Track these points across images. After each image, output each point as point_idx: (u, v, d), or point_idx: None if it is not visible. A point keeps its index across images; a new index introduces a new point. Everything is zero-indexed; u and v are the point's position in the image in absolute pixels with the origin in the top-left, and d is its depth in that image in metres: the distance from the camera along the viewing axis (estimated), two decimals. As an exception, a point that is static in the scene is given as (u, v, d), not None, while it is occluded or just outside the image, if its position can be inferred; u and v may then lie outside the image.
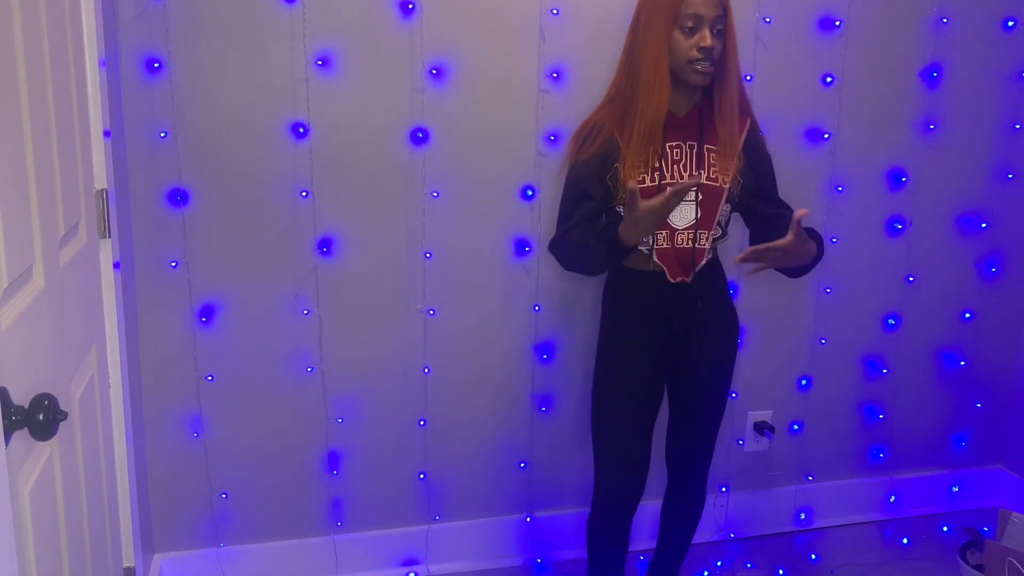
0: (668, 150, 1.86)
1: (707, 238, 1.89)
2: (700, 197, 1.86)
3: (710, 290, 1.95)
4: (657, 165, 1.85)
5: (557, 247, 1.93)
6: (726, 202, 1.89)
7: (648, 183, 1.85)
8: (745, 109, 1.92)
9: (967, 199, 2.60)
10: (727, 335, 2.02)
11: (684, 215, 1.87)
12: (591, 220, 1.88)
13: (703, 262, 1.90)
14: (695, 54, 1.78)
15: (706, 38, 1.76)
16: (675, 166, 1.86)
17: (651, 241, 1.88)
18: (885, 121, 2.47)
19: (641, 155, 1.84)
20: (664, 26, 1.78)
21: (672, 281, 1.90)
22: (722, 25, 1.79)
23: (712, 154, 1.87)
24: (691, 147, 1.87)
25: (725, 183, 1.87)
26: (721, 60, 1.82)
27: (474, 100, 2.17)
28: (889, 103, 2.46)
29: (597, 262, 1.88)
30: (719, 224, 1.90)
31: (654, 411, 2.01)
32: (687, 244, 1.88)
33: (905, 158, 2.51)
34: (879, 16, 2.38)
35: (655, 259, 1.89)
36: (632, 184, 1.70)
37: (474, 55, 2.15)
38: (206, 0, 1.98)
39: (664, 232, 1.88)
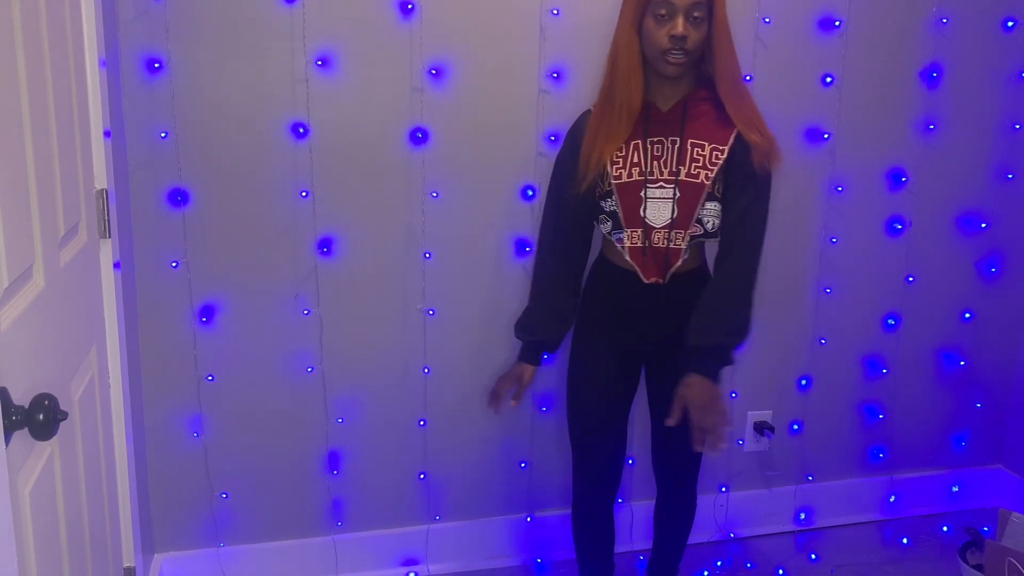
0: (650, 145, 1.83)
1: (683, 238, 1.83)
2: (678, 194, 1.81)
3: (689, 296, 1.86)
4: (637, 160, 1.83)
5: (537, 257, 2.07)
6: (711, 200, 1.81)
7: (626, 178, 1.83)
8: (755, 125, 1.81)
9: (967, 199, 2.59)
10: None
11: (661, 213, 1.82)
12: (569, 242, 1.99)
13: (679, 263, 1.85)
14: (666, 43, 1.72)
15: (678, 26, 1.70)
16: (655, 162, 1.82)
17: (625, 239, 1.85)
18: (885, 121, 2.47)
19: (620, 150, 1.83)
20: (634, 13, 1.75)
21: (645, 282, 1.87)
22: (700, 13, 1.72)
23: (697, 149, 1.82)
24: (673, 143, 1.82)
25: (707, 180, 1.81)
26: (709, 52, 1.77)
27: (474, 100, 2.17)
28: (889, 103, 2.46)
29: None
30: (699, 222, 1.83)
31: (626, 405, 2.00)
32: (663, 244, 1.84)
33: (905, 158, 2.51)
34: (879, 16, 2.38)
35: (627, 258, 1.86)
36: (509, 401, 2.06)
37: (474, 55, 2.15)
38: (206, 0, 1.98)
39: (639, 230, 1.84)
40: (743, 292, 1.84)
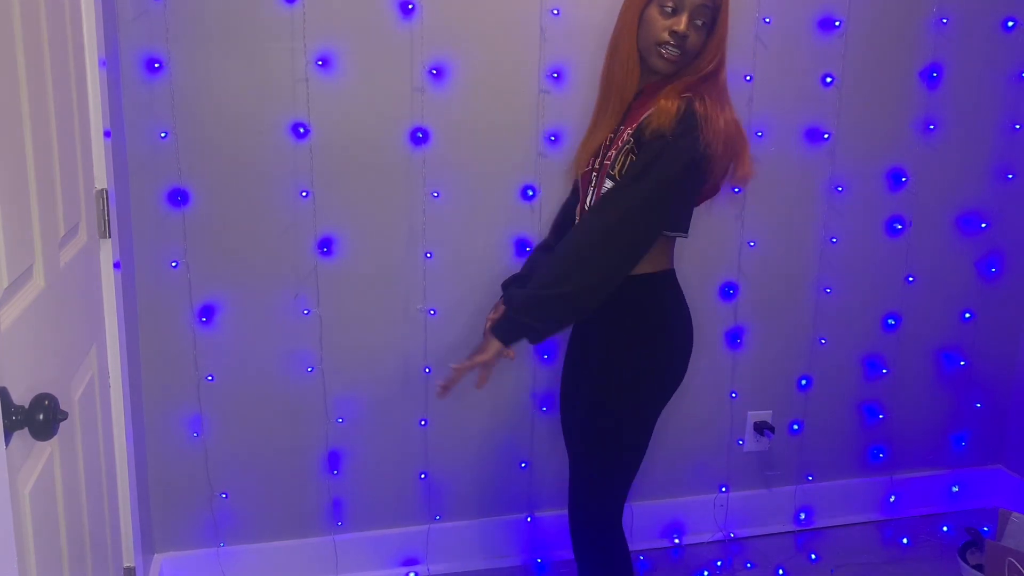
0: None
1: None
2: (596, 181, 1.76)
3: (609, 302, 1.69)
4: (598, 151, 1.81)
5: None
6: (609, 181, 1.71)
7: (585, 168, 1.81)
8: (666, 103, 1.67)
9: (967, 199, 2.60)
10: (613, 357, 1.75)
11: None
12: (563, 216, 2.02)
13: None
14: (665, 37, 1.65)
15: (681, 23, 1.63)
16: (607, 151, 1.77)
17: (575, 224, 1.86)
18: (885, 121, 2.47)
19: (599, 140, 1.79)
20: (639, 2, 1.69)
21: None
22: (705, 18, 1.66)
23: (624, 133, 1.72)
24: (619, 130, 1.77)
25: (610, 160, 1.72)
26: (698, 56, 1.69)
27: (474, 100, 2.17)
28: (889, 103, 2.46)
29: None
30: None
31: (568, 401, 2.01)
32: None
33: (905, 158, 2.51)
34: (879, 16, 2.38)
35: None
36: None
37: (474, 55, 2.15)
38: (206, 0, 1.98)
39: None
40: (559, 259, 1.68)
